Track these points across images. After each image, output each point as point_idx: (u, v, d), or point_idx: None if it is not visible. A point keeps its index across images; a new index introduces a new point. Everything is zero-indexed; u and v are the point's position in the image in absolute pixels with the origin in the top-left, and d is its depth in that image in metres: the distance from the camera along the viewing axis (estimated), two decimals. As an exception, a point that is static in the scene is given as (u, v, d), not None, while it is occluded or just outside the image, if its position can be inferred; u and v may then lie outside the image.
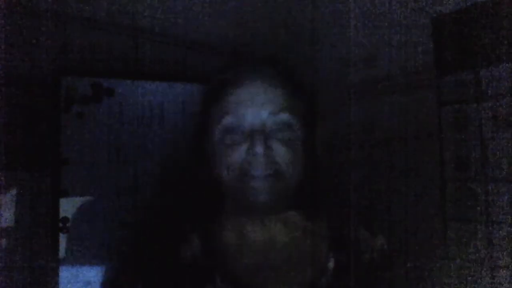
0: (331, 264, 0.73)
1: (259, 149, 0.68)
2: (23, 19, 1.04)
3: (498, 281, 0.90)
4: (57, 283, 1.02)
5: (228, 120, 0.71)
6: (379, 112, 1.17)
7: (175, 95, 1.15)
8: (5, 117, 1.00)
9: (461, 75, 0.99)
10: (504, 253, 0.90)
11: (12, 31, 1.02)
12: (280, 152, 0.70)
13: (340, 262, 0.73)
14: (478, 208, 0.94)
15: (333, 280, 0.72)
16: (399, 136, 1.11)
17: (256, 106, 0.71)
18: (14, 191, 1.02)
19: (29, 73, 1.05)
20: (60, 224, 1.04)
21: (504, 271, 0.89)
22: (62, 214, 1.04)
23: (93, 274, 1.04)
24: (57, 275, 1.03)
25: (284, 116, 0.72)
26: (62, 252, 1.04)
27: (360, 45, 1.22)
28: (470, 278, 0.94)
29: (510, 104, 0.90)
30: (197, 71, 1.17)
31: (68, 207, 1.05)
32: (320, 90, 0.98)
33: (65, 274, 1.03)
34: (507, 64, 0.91)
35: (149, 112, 1.13)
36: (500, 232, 0.90)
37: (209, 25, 1.21)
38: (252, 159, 0.69)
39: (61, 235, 1.04)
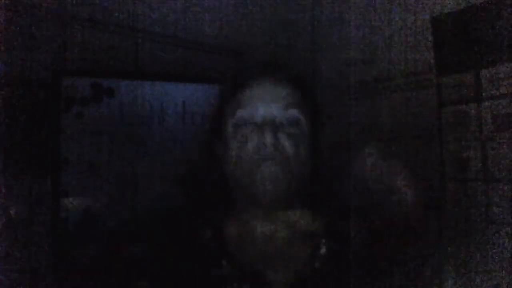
0: (323, 250, 0.76)
1: (269, 139, 0.73)
2: (23, 19, 1.04)
3: (498, 281, 0.90)
4: (57, 283, 1.02)
5: (241, 113, 0.77)
6: (379, 112, 1.17)
7: (175, 95, 1.15)
8: (5, 117, 1.00)
9: (461, 75, 0.99)
10: (504, 253, 0.90)
11: (12, 31, 1.02)
12: (288, 145, 0.75)
13: (332, 248, 0.78)
14: (478, 208, 0.94)
15: (325, 265, 0.77)
16: (399, 136, 1.12)
17: (267, 101, 0.77)
18: (14, 191, 1.02)
19: (29, 73, 1.05)
20: (60, 224, 1.04)
21: (504, 271, 0.89)
22: (62, 214, 1.04)
23: (93, 274, 1.04)
24: (57, 275, 1.03)
25: (293, 112, 0.77)
26: (62, 252, 1.04)
27: (360, 45, 1.22)
28: (470, 278, 0.94)
29: (510, 104, 0.90)
30: (197, 71, 1.17)
31: (68, 207, 1.05)
32: (320, 90, 0.98)
33: (65, 274, 1.03)
34: (507, 64, 0.91)
35: (149, 112, 1.13)
36: (500, 232, 0.91)
37: (209, 25, 1.22)
38: (262, 149, 0.74)
39: (61, 235, 1.04)
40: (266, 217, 0.78)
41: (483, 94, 0.95)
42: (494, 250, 0.91)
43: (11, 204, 1.01)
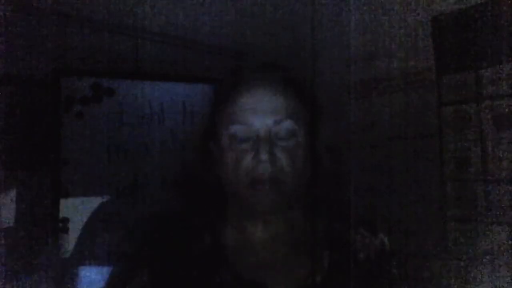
0: (325, 262, 0.75)
1: (264, 155, 0.72)
2: (23, 19, 1.04)
3: (498, 281, 0.90)
4: (57, 283, 1.02)
5: (235, 127, 0.75)
6: (379, 112, 1.17)
7: (175, 95, 1.15)
8: (5, 117, 1.01)
9: (461, 75, 0.99)
10: (504, 253, 0.90)
11: (12, 31, 1.02)
12: (284, 159, 0.74)
13: (334, 261, 0.75)
14: (478, 208, 0.94)
15: (327, 278, 0.74)
16: (399, 136, 1.12)
17: (261, 114, 0.74)
18: (14, 191, 1.02)
19: (29, 73, 1.05)
20: (60, 224, 1.04)
21: (504, 271, 0.89)
22: (62, 214, 1.04)
23: (94, 274, 1.05)
24: (57, 275, 1.03)
25: (289, 124, 0.75)
26: (62, 252, 1.04)
27: (360, 45, 1.22)
28: (470, 278, 0.95)
29: (510, 104, 0.90)
30: (197, 71, 1.17)
31: (68, 207, 1.05)
32: (320, 90, 0.98)
33: (65, 274, 1.03)
34: (507, 64, 0.91)
35: (149, 112, 1.13)
36: (500, 232, 0.91)
37: (209, 25, 1.22)
38: (257, 165, 0.72)
39: (61, 235, 1.04)
40: (263, 223, 0.77)
41: (483, 94, 0.95)
42: (494, 250, 0.91)
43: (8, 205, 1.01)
